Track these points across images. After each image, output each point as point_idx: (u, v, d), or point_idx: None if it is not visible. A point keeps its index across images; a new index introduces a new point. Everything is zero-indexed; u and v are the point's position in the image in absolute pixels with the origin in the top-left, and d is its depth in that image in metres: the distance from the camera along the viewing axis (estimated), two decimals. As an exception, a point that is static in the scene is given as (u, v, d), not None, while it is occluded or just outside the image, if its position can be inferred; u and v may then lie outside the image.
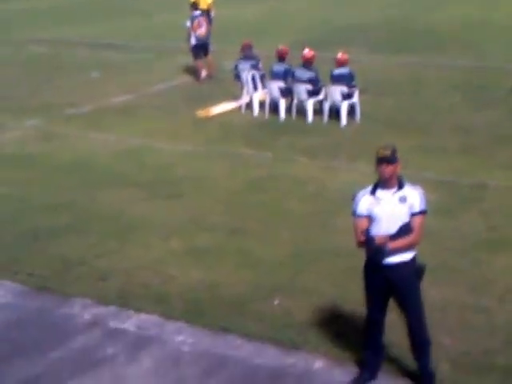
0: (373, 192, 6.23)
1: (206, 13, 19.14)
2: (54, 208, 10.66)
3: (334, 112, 14.02)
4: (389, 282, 6.24)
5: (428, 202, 6.27)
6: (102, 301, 8.03)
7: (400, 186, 6.19)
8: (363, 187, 6.34)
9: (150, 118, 14.86)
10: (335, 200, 10.40)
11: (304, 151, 12.67)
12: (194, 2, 18.87)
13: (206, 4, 19.83)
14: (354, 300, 7.28)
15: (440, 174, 11.22)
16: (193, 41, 17.85)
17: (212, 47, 17.78)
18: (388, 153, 6.13)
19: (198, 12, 18.14)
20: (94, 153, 13.00)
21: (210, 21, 18.51)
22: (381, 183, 6.21)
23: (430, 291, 6.77)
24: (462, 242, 9.17)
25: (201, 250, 9.26)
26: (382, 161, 6.11)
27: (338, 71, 14.04)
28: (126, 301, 8.01)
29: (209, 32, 17.98)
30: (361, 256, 6.41)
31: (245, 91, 15.22)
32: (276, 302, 7.91)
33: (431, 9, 24.55)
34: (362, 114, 13.96)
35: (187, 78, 17.77)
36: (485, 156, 12.02)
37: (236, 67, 15.59)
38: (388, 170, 6.11)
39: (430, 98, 15.11)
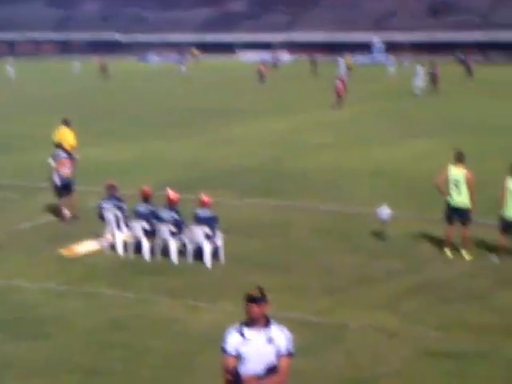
0: (241, 331, 6.34)
1: (70, 153, 19.03)
2: None
3: (198, 253, 14.03)
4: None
5: (292, 341, 6.36)
6: None
7: (267, 326, 6.32)
8: (228, 327, 6.39)
9: (14, 257, 14.51)
10: (199, 340, 10.36)
11: (168, 291, 12.57)
12: (58, 142, 18.82)
13: (68, 145, 19.77)
14: None
15: (303, 313, 11.38)
16: (56, 180, 17.67)
17: (76, 187, 17.65)
18: (257, 293, 6.33)
19: (61, 152, 18.03)
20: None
21: (73, 161, 18.42)
22: (249, 322, 6.33)
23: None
24: (326, 381, 9.21)
25: (59, 393, 8.84)
26: (251, 301, 6.28)
27: (201, 212, 14.17)
28: None
29: (72, 172, 17.86)
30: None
31: (109, 231, 15.08)
32: None
33: (302, 154, 25.53)
34: (228, 254, 14.05)
35: (51, 217, 17.48)
36: (346, 296, 12.30)
37: (100, 207, 15.48)
38: (256, 310, 6.27)
39: (296, 240, 15.44)
